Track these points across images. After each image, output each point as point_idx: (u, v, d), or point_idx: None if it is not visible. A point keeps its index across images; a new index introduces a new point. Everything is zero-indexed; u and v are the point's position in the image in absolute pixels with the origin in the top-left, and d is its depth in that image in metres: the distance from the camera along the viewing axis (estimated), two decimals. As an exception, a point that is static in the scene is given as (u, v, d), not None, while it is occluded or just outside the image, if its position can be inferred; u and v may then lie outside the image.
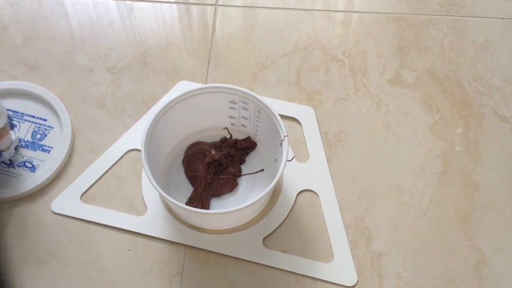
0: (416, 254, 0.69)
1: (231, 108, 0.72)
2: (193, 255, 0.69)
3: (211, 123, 0.75)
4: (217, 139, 0.75)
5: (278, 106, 0.78)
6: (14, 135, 0.73)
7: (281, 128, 0.65)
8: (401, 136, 0.78)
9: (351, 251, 0.69)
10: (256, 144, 0.75)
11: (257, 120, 0.71)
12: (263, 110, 0.68)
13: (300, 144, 0.77)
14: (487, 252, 0.70)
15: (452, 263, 0.69)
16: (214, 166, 0.72)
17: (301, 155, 0.76)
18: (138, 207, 0.72)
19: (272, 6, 0.90)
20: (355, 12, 0.90)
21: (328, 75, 0.83)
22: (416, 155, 0.77)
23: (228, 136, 0.76)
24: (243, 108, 0.71)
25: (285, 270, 0.68)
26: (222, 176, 0.72)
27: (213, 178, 0.71)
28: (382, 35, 0.87)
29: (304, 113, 0.79)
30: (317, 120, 0.79)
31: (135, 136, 0.76)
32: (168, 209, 0.71)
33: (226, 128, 0.75)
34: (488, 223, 0.72)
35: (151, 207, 0.71)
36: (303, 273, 0.67)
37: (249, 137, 0.75)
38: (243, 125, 0.74)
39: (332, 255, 0.69)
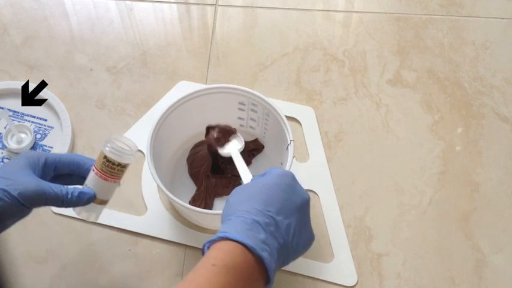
0: (416, 254, 0.69)
1: (240, 109, 0.71)
2: (193, 255, 0.68)
3: (219, 123, 0.74)
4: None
5: (278, 106, 0.77)
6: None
7: (288, 132, 0.64)
8: (401, 136, 0.78)
9: (351, 251, 0.69)
10: (263, 147, 0.75)
11: (265, 123, 0.71)
12: (271, 113, 0.67)
13: (300, 144, 0.77)
14: (487, 252, 0.70)
15: (452, 263, 0.69)
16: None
17: (301, 155, 0.76)
18: (138, 207, 0.72)
19: (272, 6, 0.90)
20: (355, 12, 0.90)
21: (328, 75, 0.83)
22: (416, 155, 0.77)
23: None
24: (252, 110, 0.70)
25: (285, 270, 0.67)
26: (226, 176, 0.72)
27: (217, 178, 0.71)
28: (382, 35, 0.87)
29: (304, 113, 0.79)
30: (317, 120, 0.79)
31: (135, 136, 0.76)
32: (168, 209, 0.71)
33: (234, 128, 0.75)
34: (488, 223, 0.72)
35: (151, 207, 0.71)
36: (303, 273, 0.67)
37: (256, 139, 0.75)
38: (251, 127, 0.74)
39: (332, 255, 0.69)
